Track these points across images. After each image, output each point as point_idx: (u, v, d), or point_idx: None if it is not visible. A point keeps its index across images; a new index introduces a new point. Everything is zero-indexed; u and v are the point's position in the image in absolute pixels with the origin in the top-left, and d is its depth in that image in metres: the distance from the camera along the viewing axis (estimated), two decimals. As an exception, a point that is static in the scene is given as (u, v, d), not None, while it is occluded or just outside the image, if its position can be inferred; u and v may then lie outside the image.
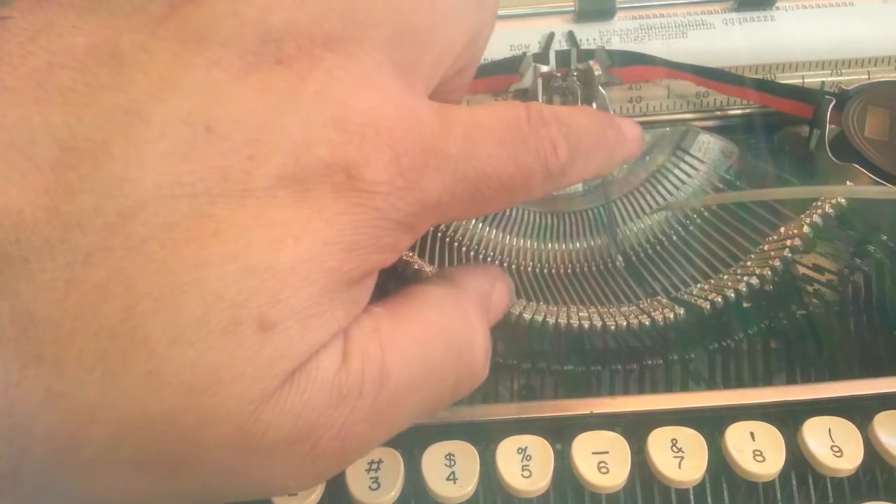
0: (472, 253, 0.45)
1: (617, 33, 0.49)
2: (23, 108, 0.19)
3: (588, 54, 0.48)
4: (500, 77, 0.48)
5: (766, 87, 0.48)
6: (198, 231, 0.19)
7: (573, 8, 0.50)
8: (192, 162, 0.19)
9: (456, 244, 0.45)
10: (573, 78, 0.47)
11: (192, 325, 0.19)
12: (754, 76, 0.49)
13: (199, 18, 0.21)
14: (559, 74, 0.47)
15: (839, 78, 0.49)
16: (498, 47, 0.48)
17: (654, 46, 0.49)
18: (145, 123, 0.19)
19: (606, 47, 0.49)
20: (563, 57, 0.48)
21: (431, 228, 0.45)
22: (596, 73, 0.47)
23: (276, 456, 0.21)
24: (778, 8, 0.50)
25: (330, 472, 0.24)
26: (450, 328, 0.26)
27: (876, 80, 0.48)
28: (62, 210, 0.18)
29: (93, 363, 0.19)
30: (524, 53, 0.48)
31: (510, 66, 0.48)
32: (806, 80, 0.49)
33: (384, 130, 0.22)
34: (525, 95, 0.48)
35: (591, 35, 0.49)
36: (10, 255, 0.18)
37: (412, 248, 0.43)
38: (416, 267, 0.40)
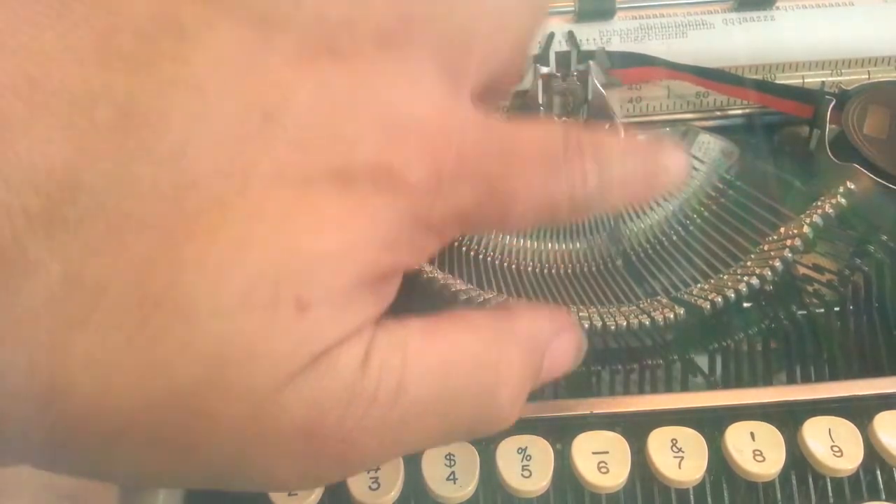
0: (471, 253, 0.45)
1: (617, 33, 0.50)
2: (84, 69, 0.19)
3: (588, 55, 0.48)
4: (500, 77, 0.48)
5: (766, 87, 0.48)
6: (247, 212, 0.20)
7: (573, 8, 0.50)
8: (246, 145, 0.20)
9: (456, 244, 0.45)
10: (573, 78, 0.47)
11: (233, 299, 0.19)
12: (754, 76, 0.49)
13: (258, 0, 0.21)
14: (559, 75, 0.47)
15: (839, 78, 0.49)
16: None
17: (654, 46, 0.49)
18: (204, 100, 0.19)
19: (606, 47, 0.49)
20: (563, 58, 0.48)
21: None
22: (593, 77, 0.47)
23: (283, 445, 0.22)
24: (778, 8, 0.50)
25: (331, 477, 0.24)
26: (480, 361, 0.25)
27: (876, 80, 0.48)
28: (121, 177, 0.19)
29: (134, 331, 0.19)
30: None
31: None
32: (806, 80, 0.49)
33: (429, 136, 0.22)
34: (525, 96, 0.48)
35: (591, 35, 0.49)
36: (67, 218, 0.18)
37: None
38: (416, 267, 0.40)
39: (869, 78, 0.49)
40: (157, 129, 0.19)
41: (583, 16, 0.50)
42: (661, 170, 0.27)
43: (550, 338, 0.27)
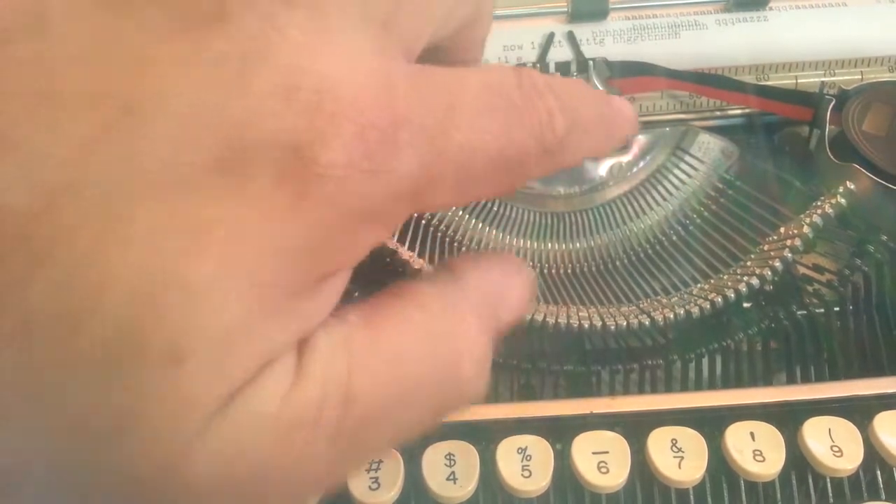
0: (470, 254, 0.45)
1: (610, 34, 0.49)
2: None
3: (585, 66, 0.48)
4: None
5: (767, 92, 0.48)
6: (102, 237, 0.15)
7: (566, 8, 0.50)
8: (104, 151, 0.16)
9: (456, 244, 0.45)
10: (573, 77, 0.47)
11: (90, 362, 0.16)
12: (748, 76, 0.49)
13: None
14: (558, 74, 0.47)
15: (833, 78, 0.49)
16: (491, 48, 0.48)
17: (648, 47, 0.49)
18: (58, 106, 0.16)
19: (599, 48, 0.49)
20: (562, 69, 0.48)
21: (431, 229, 0.45)
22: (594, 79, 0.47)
23: (218, 500, 0.18)
24: (771, 8, 0.50)
25: None
26: (434, 338, 0.21)
27: (876, 80, 0.48)
28: None
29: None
30: (525, 65, 0.48)
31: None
32: (799, 81, 0.50)
33: (345, 98, 0.17)
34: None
35: (583, 35, 0.49)
36: None
37: (413, 250, 0.42)
38: (416, 268, 0.40)
39: (862, 78, 0.49)
40: (3, 142, 0.15)
41: (576, 16, 0.50)
42: (617, 115, 0.24)
43: (504, 286, 0.24)
